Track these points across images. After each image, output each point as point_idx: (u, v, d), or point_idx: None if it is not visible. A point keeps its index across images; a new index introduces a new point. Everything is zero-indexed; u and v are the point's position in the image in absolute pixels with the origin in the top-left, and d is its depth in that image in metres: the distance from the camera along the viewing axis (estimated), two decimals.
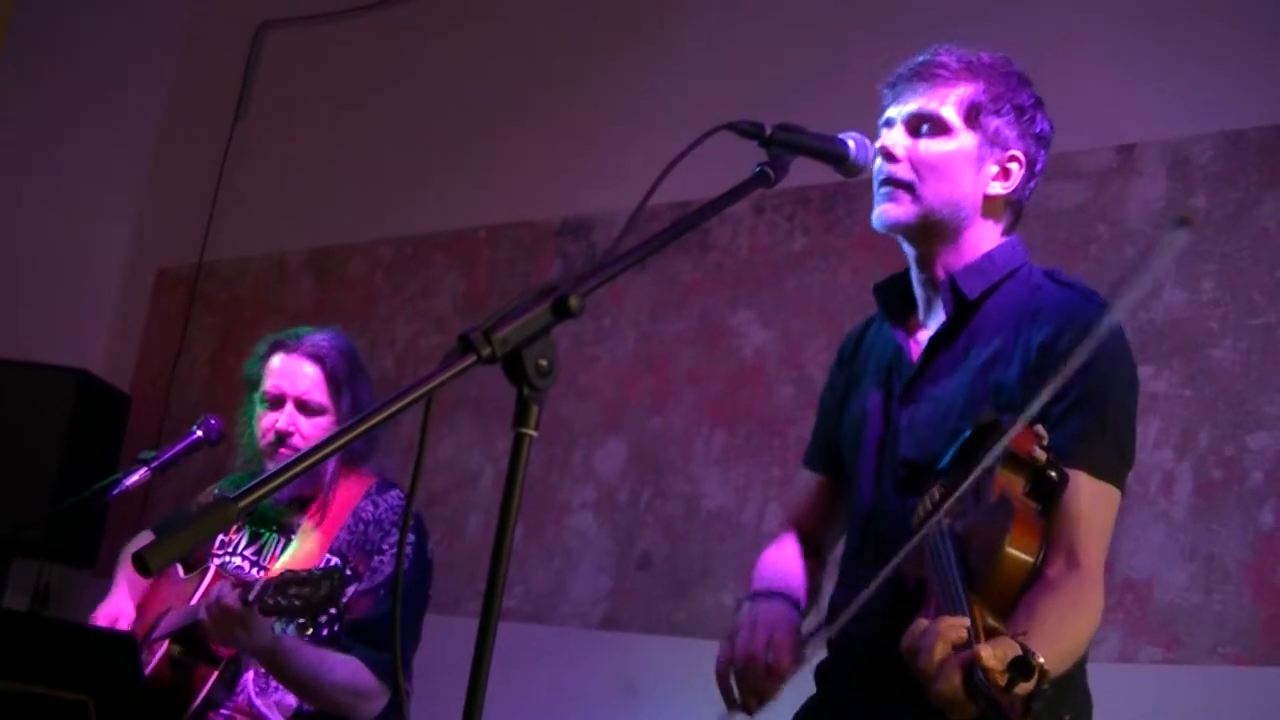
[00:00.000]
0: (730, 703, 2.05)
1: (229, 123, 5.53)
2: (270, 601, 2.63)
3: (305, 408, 2.98)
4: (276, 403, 2.99)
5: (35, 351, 4.96)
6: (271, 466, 2.93)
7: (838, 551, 2.35)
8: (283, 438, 2.96)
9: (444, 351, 1.50)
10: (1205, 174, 3.39)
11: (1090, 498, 1.98)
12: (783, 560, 2.31)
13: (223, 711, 2.87)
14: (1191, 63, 3.45)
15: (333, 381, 2.99)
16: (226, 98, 5.57)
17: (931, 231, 2.14)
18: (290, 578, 2.64)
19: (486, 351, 1.48)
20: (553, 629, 4.11)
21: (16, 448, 4.74)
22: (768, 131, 1.87)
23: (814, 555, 2.36)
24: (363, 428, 1.44)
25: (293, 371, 2.99)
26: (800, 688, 2.23)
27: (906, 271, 2.24)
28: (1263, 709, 3.01)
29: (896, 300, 2.25)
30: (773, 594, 2.18)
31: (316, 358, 2.99)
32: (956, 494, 1.89)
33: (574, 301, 1.52)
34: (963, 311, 2.13)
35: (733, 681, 2.04)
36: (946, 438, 2.04)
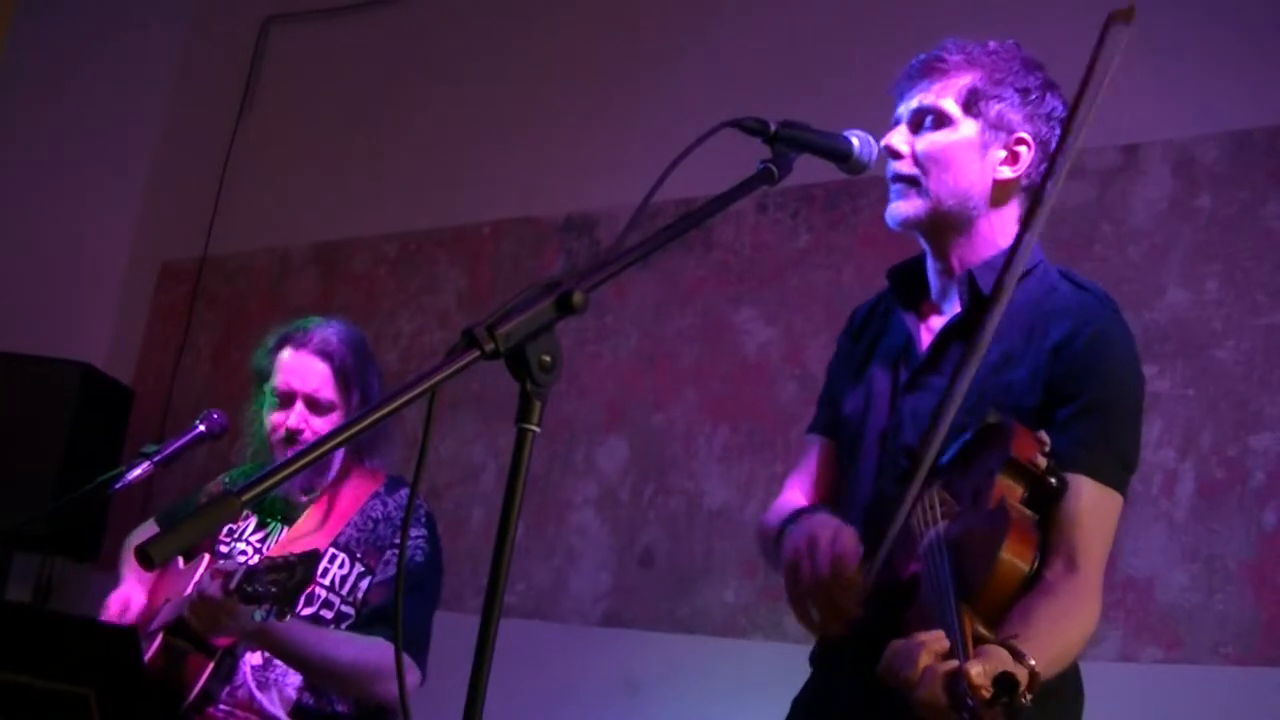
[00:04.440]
0: (813, 628, 2.01)
1: (234, 117, 5.53)
2: (249, 589, 2.62)
3: (315, 405, 2.98)
4: (287, 400, 2.99)
5: (38, 345, 4.96)
6: (280, 460, 2.93)
7: None
8: (293, 435, 2.97)
9: (447, 347, 1.50)
10: (1210, 174, 3.39)
11: (1091, 503, 1.97)
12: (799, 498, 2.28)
13: (221, 706, 2.86)
14: (1197, 63, 3.44)
15: (342, 378, 2.99)
16: (231, 92, 5.57)
17: (944, 224, 2.14)
18: (267, 564, 2.64)
19: (490, 347, 1.48)
20: (554, 626, 4.11)
21: (20, 441, 4.74)
22: (772, 128, 1.86)
23: None
24: (367, 422, 1.43)
25: (302, 369, 2.99)
26: (794, 675, 2.24)
27: (921, 256, 2.23)
28: (1263, 709, 3.01)
29: (910, 285, 2.24)
30: (813, 508, 2.15)
31: (325, 354, 2.99)
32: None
33: (577, 297, 1.52)
34: (977, 306, 2.11)
35: (811, 608, 1.99)
36: (949, 431, 2.02)
